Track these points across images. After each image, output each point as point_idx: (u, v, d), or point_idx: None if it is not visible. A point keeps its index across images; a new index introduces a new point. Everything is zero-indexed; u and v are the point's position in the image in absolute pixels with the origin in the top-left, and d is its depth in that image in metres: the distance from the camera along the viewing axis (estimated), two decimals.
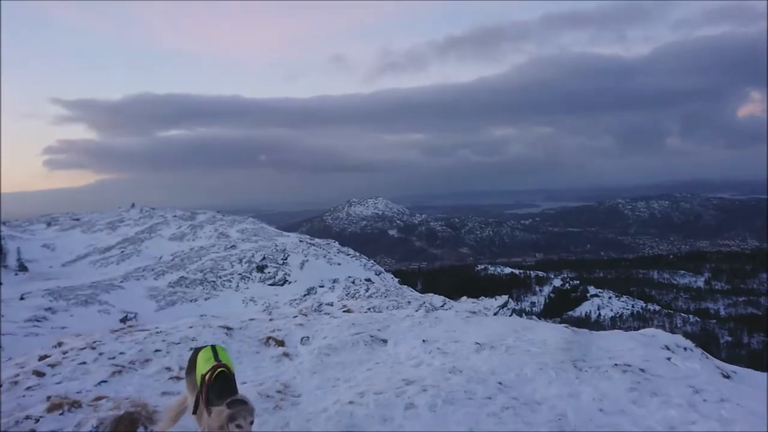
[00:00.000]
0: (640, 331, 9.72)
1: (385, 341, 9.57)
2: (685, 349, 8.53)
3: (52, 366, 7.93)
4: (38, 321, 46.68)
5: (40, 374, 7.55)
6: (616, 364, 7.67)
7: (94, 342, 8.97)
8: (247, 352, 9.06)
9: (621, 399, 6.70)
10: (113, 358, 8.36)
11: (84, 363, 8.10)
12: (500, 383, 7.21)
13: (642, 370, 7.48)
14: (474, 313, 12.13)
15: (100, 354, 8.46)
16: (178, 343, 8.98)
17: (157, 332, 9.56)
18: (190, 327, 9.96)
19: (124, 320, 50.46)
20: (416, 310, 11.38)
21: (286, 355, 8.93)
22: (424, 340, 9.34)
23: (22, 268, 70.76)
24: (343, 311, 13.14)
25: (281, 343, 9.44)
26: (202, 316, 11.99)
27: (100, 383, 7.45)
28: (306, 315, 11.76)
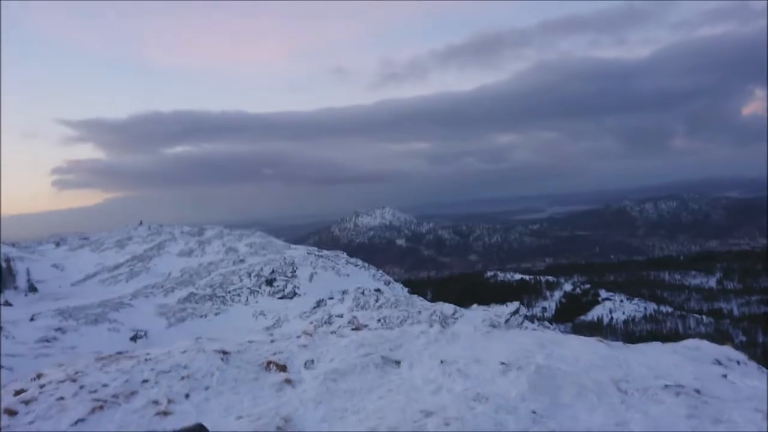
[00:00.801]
0: (682, 342, 8.70)
1: (398, 363, 8.64)
2: (738, 362, 7.57)
3: (27, 403, 7.17)
4: (48, 341, 46.02)
5: (12, 413, 6.80)
6: (666, 385, 6.68)
7: (76, 373, 8.15)
8: (245, 379, 8.18)
9: (678, 428, 5.75)
10: (95, 391, 7.54)
11: (62, 398, 7.30)
12: (534, 412, 6.27)
13: (697, 392, 6.49)
14: (494, 326, 10.93)
15: (81, 387, 7.65)
16: (168, 372, 8.12)
17: (147, 359, 8.70)
18: (184, 352, 9.08)
19: (134, 338, 50.01)
20: (431, 326, 10.55)
21: (288, 381, 8.09)
22: (441, 361, 8.37)
23: (32, 288, 70.48)
24: (352, 329, 11.91)
25: (283, 368, 8.59)
26: (197, 338, 10.89)
27: (77, 422, 6.68)
28: (310, 335, 10.75)
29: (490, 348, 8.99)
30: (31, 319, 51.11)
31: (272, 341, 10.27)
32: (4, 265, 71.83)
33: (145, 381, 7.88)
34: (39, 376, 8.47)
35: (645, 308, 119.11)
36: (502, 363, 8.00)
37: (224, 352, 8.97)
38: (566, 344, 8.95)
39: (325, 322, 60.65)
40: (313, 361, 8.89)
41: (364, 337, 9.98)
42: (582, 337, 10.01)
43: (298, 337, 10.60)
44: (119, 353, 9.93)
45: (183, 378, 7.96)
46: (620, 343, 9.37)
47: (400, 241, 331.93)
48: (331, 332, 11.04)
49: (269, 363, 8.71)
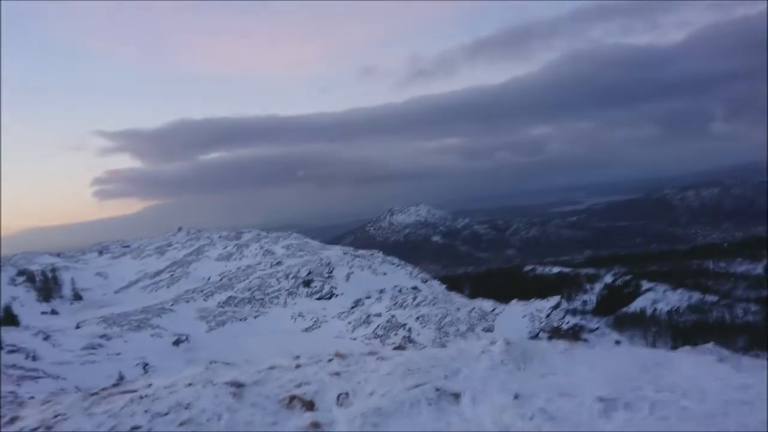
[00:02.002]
0: None
1: (456, 396, 6.75)
2: None
3: None
4: (94, 348, 47.08)
5: None
6: None
7: (55, 417, 6.87)
8: (261, 422, 6.45)
9: None
10: None
11: None
12: None
13: None
14: (576, 340, 9.05)
15: None
16: (166, 414, 6.59)
17: (143, 397, 7.26)
18: (189, 385, 7.59)
19: (176, 343, 50.96)
20: (493, 343, 8.71)
21: (315, 425, 6.43)
22: (516, 396, 6.48)
23: (77, 297, 72.38)
24: (394, 348, 9.99)
25: (310, 405, 6.96)
26: (211, 362, 9.56)
27: None
28: (344, 357, 9.06)
29: (577, 374, 7.04)
30: (77, 327, 52.44)
31: (297, 366, 8.62)
32: (50, 275, 74.03)
33: (135, 428, 6.43)
34: (13, 419, 7.43)
35: (690, 298, 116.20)
36: (601, 399, 6.08)
37: (237, 385, 7.44)
38: (676, 366, 7.06)
39: (363, 322, 61.09)
40: (347, 394, 7.23)
41: (410, 360, 8.23)
42: (692, 353, 8.01)
43: (330, 360, 8.92)
44: (116, 385, 8.62)
45: (182, 423, 6.46)
46: (749, 360, 7.35)
47: (436, 238, 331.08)
48: (370, 353, 9.39)
49: (292, 398, 7.14)
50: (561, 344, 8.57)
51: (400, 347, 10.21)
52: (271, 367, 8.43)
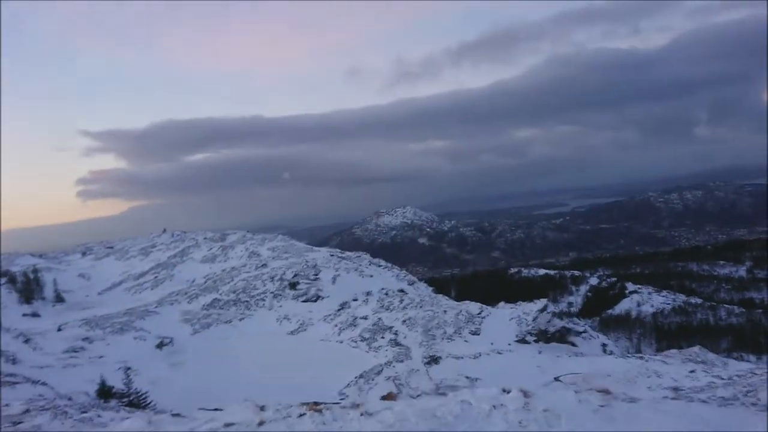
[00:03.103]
0: None
1: None
2: None
3: None
4: (76, 351, 46.24)
5: None
6: None
7: None
8: None
9: None
10: None
11: None
12: None
13: None
14: (608, 392, 6.95)
15: None
16: None
17: None
18: None
19: (160, 346, 50.26)
20: (506, 391, 7.02)
21: None
22: None
23: (59, 299, 71.25)
24: (383, 398, 8.00)
25: None
26: (157, 413, 7.35)
27: None
28: (320, 411, 7.03)
29: None
30: (59, 330, 51.51)
31: (261, 423, 6.82)
32: (32, 276, 72.89)
33: None
34: None
35: (674, 300, 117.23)
36: None
37: None
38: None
39: (350, 325, 60.73)
40: None
41: (402, 420, 6.45)
42: (756, 412, 6.30)
43: (301, 415, 7.04)
44: None
45: None
46: None
47: (423, 240, 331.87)
48: (352, 406, 7.47)
49: None
50: (593, 397, 6.87)
51: (389, 396, 8.10)
52: (228, 425, 6.76)
